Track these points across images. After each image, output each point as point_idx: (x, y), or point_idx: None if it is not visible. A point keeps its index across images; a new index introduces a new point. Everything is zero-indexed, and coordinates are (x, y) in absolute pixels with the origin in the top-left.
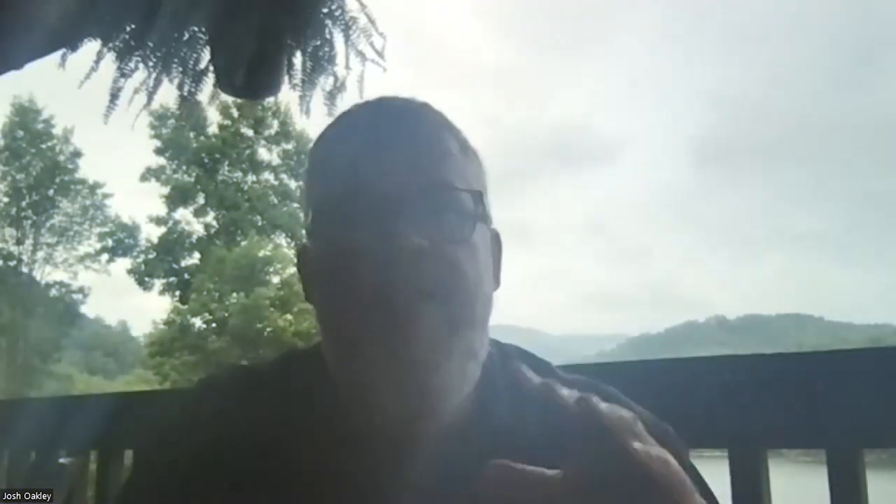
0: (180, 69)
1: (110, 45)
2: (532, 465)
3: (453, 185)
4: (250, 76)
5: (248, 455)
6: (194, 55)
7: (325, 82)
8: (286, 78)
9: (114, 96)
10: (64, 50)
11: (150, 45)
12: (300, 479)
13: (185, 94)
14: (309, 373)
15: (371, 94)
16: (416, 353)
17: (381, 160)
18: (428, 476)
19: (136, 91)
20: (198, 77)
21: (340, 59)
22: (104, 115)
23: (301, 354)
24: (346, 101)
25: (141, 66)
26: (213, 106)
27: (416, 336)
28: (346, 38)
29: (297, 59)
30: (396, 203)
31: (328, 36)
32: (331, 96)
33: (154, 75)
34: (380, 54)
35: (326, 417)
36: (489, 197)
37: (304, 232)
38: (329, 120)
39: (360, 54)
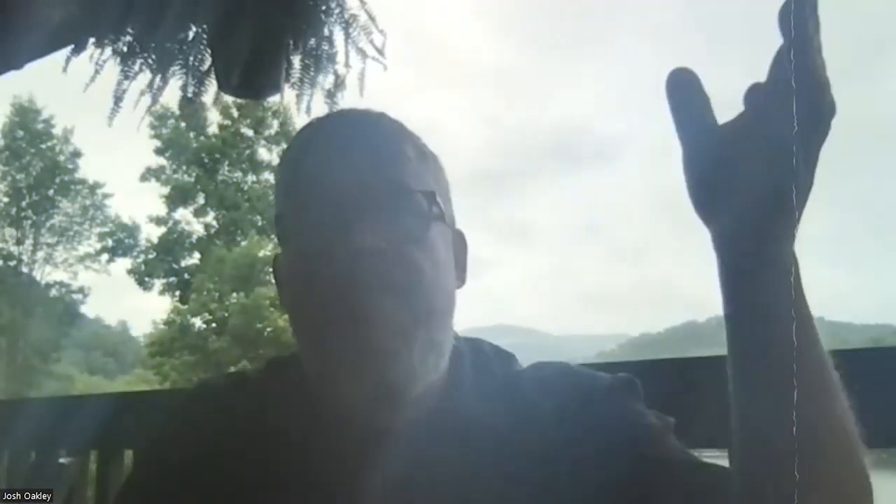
0: (184, 71)
1: (113, 47)
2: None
3: (408, 187)
4: (251, 76)
5: (235, 458)
6: (198, 56)
7: (325, 81)
8: (286, 77)
9: (118, 99)
10: (68, 54)
11: (153, 45)
12: (281, 479)
13: (191, 95)
14: (288, 376)
15: (371, 92)
16: (377, 342)
17: (338, 166)
18: (398, 466)
19: (142, 93)
20: (201, 78)
21: (340, 56)
22: (108, 117)
23: (285, 359)
24: (346, 100)
25: (144, 68)
26: (215, 107)
27: (376, 326)
28: (346, 35)
29: (297, 58)
30: (353, 206)
31: (328, 34)
32: (331, 95)
33: (159, 77)
34: (380, 52)
35: (302, 417)
36: (448, 197)
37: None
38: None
39: (361, 52)
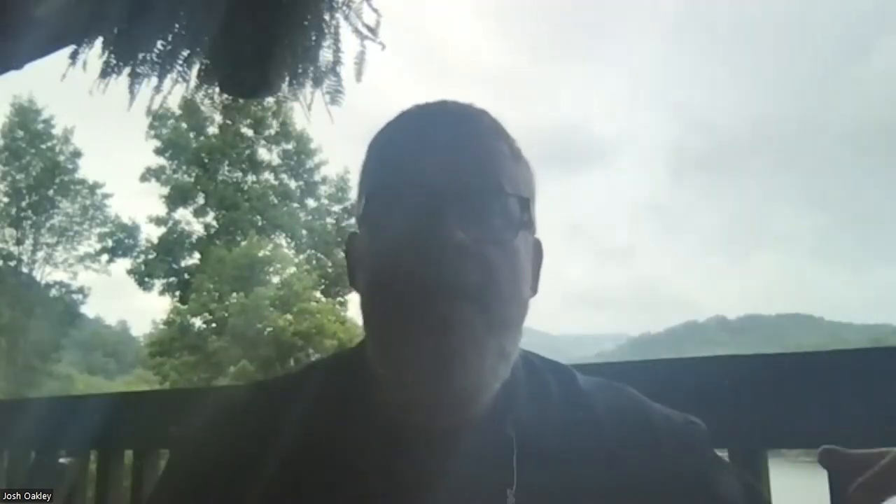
0: (205, 78)
1: (137, 61)
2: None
3: (502, 189)
4: (251, 75)
5: (290, 453)
6: (205, 60)
7: (323, 73)
8: (286, 75)
9: (154, 116)
10: (73, 57)
11: (182, 56)
12: (338, 475)
13: (225, 100)
14: (351, 371)
15: (371, 92)
16: (451, 349)
17: (434, 158)
18: (455, 466)
19: (180, 106)
20: (225, 81)
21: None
22: (145, 132)
23: (348, 355)
24: (346, 98)
25: (179, 77)
26: (218, 108)
27: (452, 333)
28: (331, 8)
29: (297, 55)
30: (444, 200)
31: (327, 28)
32: (318, 82)
33: (194, 85)
34: (372, 30)
35: (365, 412)
36: (536, 205)
37: (354, 220)
38: (332, 113)
39: (358, 33)
